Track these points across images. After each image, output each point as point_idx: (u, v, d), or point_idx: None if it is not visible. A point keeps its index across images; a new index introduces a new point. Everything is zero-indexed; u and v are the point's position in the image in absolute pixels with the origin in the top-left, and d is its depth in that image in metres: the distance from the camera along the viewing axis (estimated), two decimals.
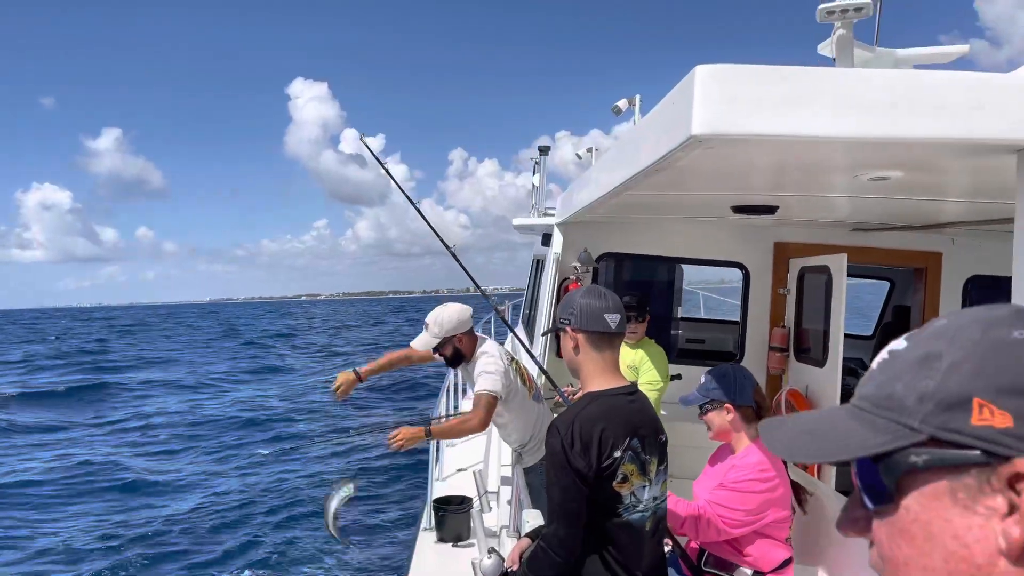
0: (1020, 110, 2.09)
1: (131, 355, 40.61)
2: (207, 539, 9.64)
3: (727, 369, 3.22)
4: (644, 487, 2.36)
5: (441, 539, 4.58)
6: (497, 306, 5.21)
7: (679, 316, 7.97)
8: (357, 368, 4.25)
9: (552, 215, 6.38)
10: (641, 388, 4.40)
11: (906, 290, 7.14)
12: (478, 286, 4.77)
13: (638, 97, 5.34)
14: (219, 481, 12.32)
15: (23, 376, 31.71)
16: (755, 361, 5.72)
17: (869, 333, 8.37)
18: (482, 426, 3.81)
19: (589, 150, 6.37)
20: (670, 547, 3.20)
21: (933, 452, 0.60)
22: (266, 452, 14.54)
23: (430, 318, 3.97)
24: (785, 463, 3.16)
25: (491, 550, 3.07)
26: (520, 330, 7.68)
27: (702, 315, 9.93)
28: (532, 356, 4.47)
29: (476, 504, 4.51)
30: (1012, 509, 0.57)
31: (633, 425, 2.35)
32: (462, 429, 3.89)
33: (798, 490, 3.22)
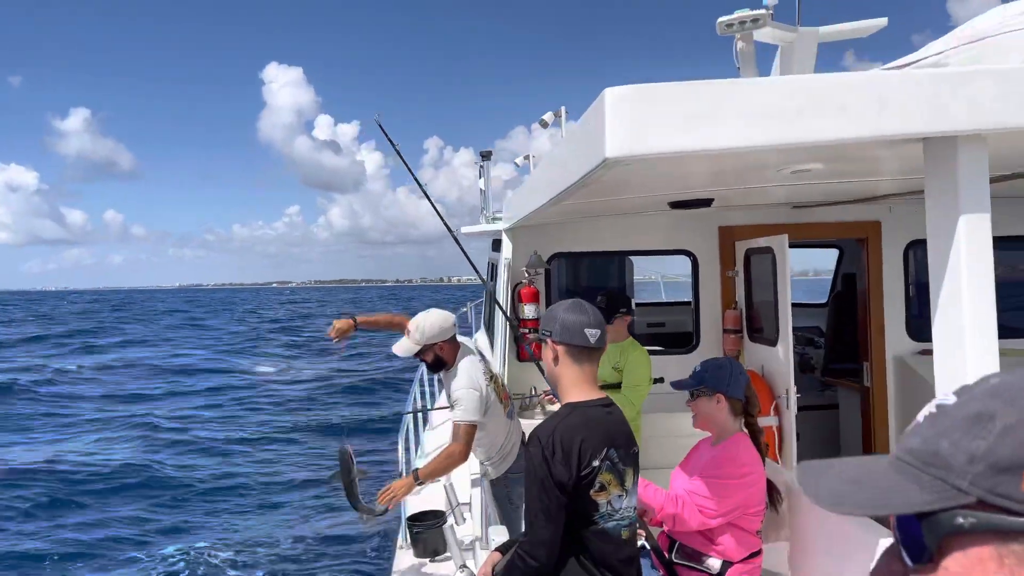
0: (919, 103, 2.17)
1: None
2: None
3: (724, 360, 3.32)
4: (621, 496, 2.43)
5: (418, 556, 4.60)
6: (480, 297, 5.18)
7: (634, 305, 8.05)
8: (356, 316, 4.23)
9: (500, 219, 6.42)
10: (624, 390, 4.48)
11: (854, 257, 7.31)
12: (477, 271, 4.75)
13: (563, 109, 5.39)
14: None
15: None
16: (711, 344, 5.83)
17: (824, 301, 8.57)
18: (464, 457, 3.89)
19: (527, 157, 6.41)
20: (643, 538, 3.27)
21: (980, 516, 0.59)
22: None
23: (412, 324, 3.99)
24: (763, 457, 3.24)
25: (462, 567, 3.12)
26: (482, 333, 7.71)
27: (662, 301, 10.04)
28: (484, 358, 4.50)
29: (449, 518, 4.54)
30: None
31: (610, 436, 2.42)
32: (448, 464, 3.94)
33: (771, 489, 3.30)
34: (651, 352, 4.96)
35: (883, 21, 3.93)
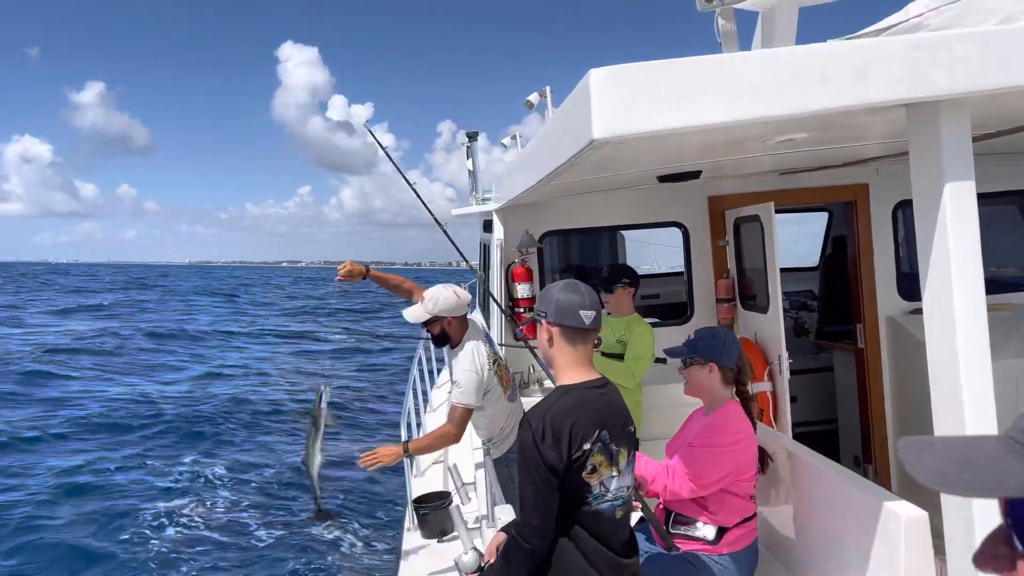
0: (900, 69, 2.20)
1: None
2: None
3: (718, 330, 3.34)
4: (613, 477, 2.46)
5: (426, 537, 4.66)
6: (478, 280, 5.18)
7: None
8: (370, 267, 4.24)
9: (490, 200, 6.42)
10: (627, 360, 4.52)
11: (842, 220, 7.36)
12: (465, 259, 4.76)
13: (548, 89, 5.37)
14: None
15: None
16: (705, 314, 5.88)
17: (815, 264, 8.63)
18: (456, 439, 3.96)
19: (513, 138, 6.40)
20: (639, 510, 3.33)
21: None
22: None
23: (427, 293, 4.03)
24: (754, 424, 3.29)
25: (472, 548, 3.16)
26: (477, 313, 7.75)
27: (657, 273, 10.08)
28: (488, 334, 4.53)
29: (455, 499, 4.60)
30: None
31: (602, 417, 2.44)
32: (439, 444, 4.03)
33: (762, 453, 3.36)
34: (650, 321, 5.00)
35: None
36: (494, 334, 5.31)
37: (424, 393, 7.34)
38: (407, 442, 3.98)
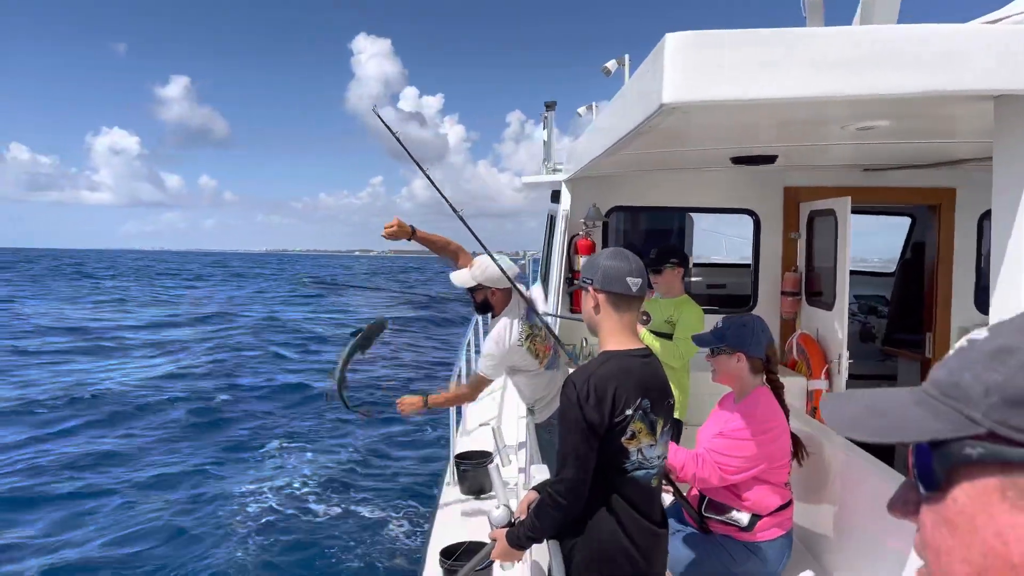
0: (993, 58, 2.10)
1: None
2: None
3: (747, 319, 3.29)
4: (652, 446, 2.45)
5: (464, 493, 4.77)
6: (522, 270, 5.21)
7: (694, 263, 7.99)
8: (416, 228, 4.29)
9: (561, 171, 6.40)
10: (676, 340, 4.50)
11: (925, 226, 7.08)
12: (486, 249, 4.79)
13: (627, 57, 5.28)
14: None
15: None
16: (768, 306, 5.76)
17: (892, 270, 8.34)
18: (471, 399, 4.61)
19: (589, 107, 6.34)
20: (671, 495, 3.33)
21: (989, 447, 0.59)
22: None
23: (477, 260, 4.13)
24: (786, 412, 3.25)
25: (505, 505, 3.22)
26: (537, 287, 7.78)
27: (724, 262, 9.92)
28: (534, 308, 4.54)
29: (495, 458, 4.67)
30: None
31: (645, 386, 2.44)
32: (454, 401, 4.57)
33: (797, 444, 3.30)
34: (707, 311, 4.94)
35: None
36: (551, 305, 5.32)
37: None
38: (427, 395, 4.23)
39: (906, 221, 7.83)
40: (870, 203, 5.63)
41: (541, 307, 4.42)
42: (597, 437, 2.36)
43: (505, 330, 4.05)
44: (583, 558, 2.44)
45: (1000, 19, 2.83)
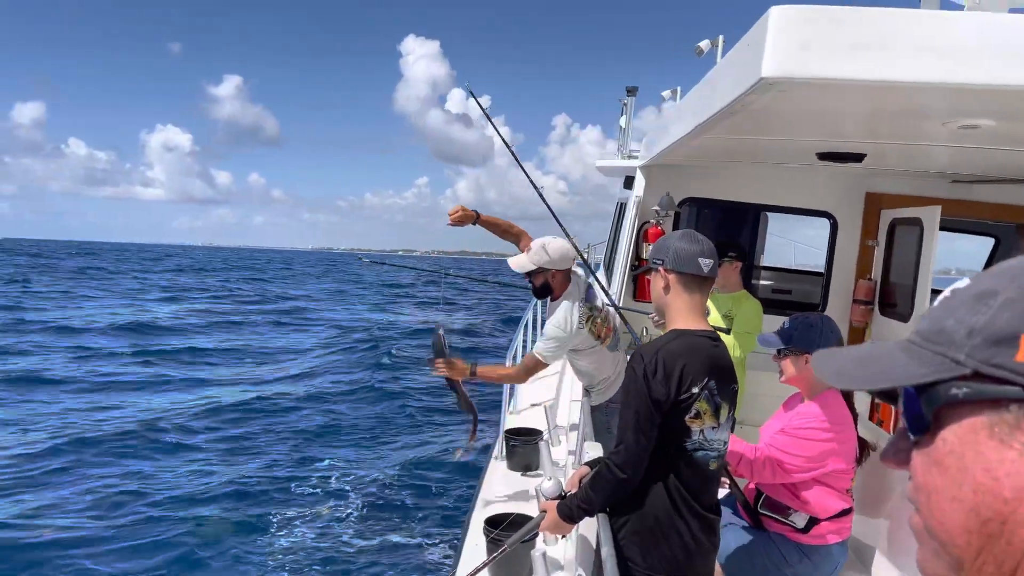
0: None
1: None
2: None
3: (815, 319, 3.17)
4: (714, 428, 2.42)
5: (511, 468, 4.78)
6: (583, 254, 5.06)
7: (762, 265, 7.83)
8: (480, 213, 4.26)
9: (636, 158, 6.33)
10: (734, 334, 4.43)
11: (1011, 248, 6.77)
12: (563, 227, 4.76)
13: (721, 38, 5.16)
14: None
15: None
16: (838, 313, 5.59)
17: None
18: (521, 381, 4.32)
19: (673, 91, 6.23)
20: (728, 487, 3.26)
21: (974, 385, 0.60)
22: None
23: (536, 243, 4.06)
24: (855, 417, 3.15)
25: (550, 477, 3.22)
26: (600, 272, 7.72)
27: (793, 266, 9.69)
28: (608, 296, 4.51)
29: (545, 436, 4.67)
30: None
31: (712, 367, 2.41)
32: (502, 379, 4.42)
33: (863, 445, 3.20)
34: (771, 314, 4.83)
35: None
36: (615, 291, 5.27)
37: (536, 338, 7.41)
38: (475, 365, 4.04)
39: (986, 241, 7.51)
40: (958, 217, 5.40)
41: (600, 295, 4.38)
42: (661, 412, 2.33)
43: (568, 313, 3.98)
44: (635, 533, 2.42)
45: None
